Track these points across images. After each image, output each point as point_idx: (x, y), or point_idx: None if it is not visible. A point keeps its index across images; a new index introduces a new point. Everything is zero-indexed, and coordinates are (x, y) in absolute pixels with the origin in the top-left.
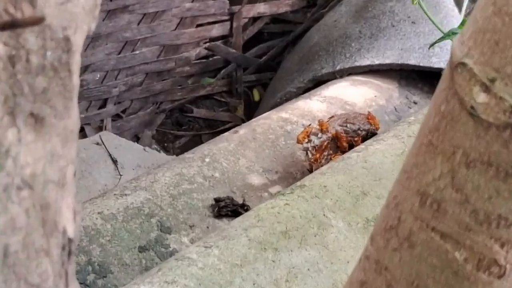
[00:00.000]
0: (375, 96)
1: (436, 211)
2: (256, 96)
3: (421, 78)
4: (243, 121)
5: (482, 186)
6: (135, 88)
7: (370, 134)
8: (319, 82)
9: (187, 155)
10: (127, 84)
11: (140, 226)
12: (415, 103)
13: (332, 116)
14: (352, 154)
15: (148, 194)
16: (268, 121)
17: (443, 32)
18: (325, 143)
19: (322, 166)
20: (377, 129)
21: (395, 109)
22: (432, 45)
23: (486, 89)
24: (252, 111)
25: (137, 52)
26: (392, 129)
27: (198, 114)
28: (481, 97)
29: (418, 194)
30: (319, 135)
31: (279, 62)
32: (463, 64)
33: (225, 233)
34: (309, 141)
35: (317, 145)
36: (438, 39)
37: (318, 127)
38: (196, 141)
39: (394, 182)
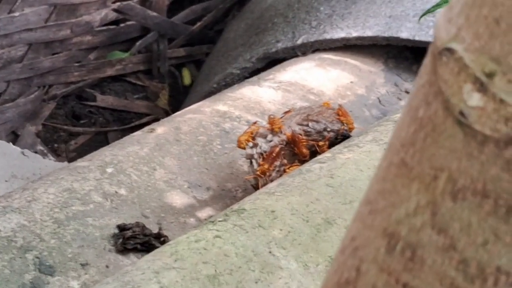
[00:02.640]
0: (351, 82)
1: (409, 261)
2: (186, 78)
3: (417, 58)
4: (167, 114)
5: (475, 226)
6: (12, 65)
7: (340, 137)
8: (272, 61)
9: (81, 162)
10: (1, 58)
11: (10, 264)
12: (407, 92)
13: (289, 111)
14: (313, 166)
15: (22, 218)
16: (198, 115)
17: None
18: (277, 149)
19: (271, 181)
20: (350, 130)
21: (379, 101)
22: (424, 14)
23: (482, 87)
24: (180, 100)
25: (17, 14)
26: (372, 131)
27: (103, 103)
28: (475, 99)
29: (385, 235)
30: (269, 137)
31: (219, 32)
32: (450, 51)
33: (128, 278)
34: (255, 145)
35: (265, 152)
36: (433, 6)
37: (268, 125)
38: (100, 141)
39: (353, 218)
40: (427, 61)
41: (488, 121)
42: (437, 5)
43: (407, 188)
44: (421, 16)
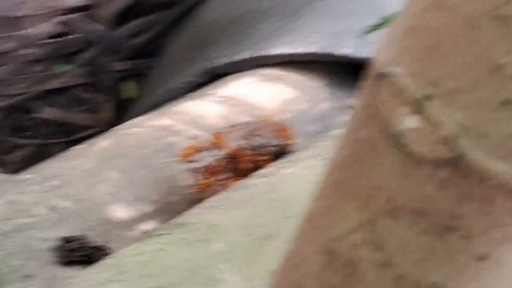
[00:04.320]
0: (294, 97)
1: (349, 276)
2: (130, 92)
3: (360, 74)
4: (112, 127)
5: (411, 243)
6: None
7: (282, 152)
8: (216, 75)
9: (26, 175)
10: None
11: None
12: (350, 107)
13: (232, 125)
14: (257, 180)
15: None
16: (142, 129)
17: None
18: (221, 163)
19: (215, 195)
20: (291, 145)
21: (322, 116)
22: (368, 32)
23: (419, 109)
24: (123, 113)
25: None
26: (311, 146)
27: (47, 115)
28: (411, 121)
29: (326, 251)
30: (213, 151)
31: (163, 45)
32: (388, 74)
33: None
34: (199, 159)
35: (209, 166)
36: (376, 25)
37: (212, 140)
38: (44, 154)
39: (294, 233)
40: (366, 82)
41: (425, 142)
42: (382, 24)
43: (346, 205)
44: (367, 33)
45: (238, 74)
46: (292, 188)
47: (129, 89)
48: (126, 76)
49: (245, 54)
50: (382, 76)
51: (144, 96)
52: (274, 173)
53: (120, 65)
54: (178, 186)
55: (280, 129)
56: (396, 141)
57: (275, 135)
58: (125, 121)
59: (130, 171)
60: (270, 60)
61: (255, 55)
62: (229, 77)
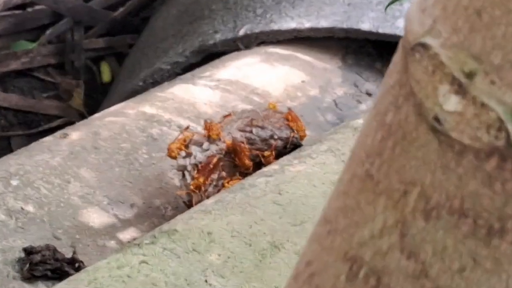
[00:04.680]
0: (302, 81)
1: None
2: (105, 75)
3: (381, 54)
4: (83, 117)
5: (450, 250)
6: None
7: (290, 146)
8: (210, 55)
9: None
10: None
11: None
12: (368, 94)
13: (229, 114)
14: (258, 180)
15: None
16: (120, 118)
17: None
18: (215, 160)
19: (208, 197)
20: (301, 138)
21: (336, 104)
22: (391, 2)
23: (461, 89)
24: (98, 100)
25: None
26: (327, 139)
27: (5, 103)
28: (452, 103)
29: (346, 259)
30: (205, 145)
31: (145, 19)
32: (424, 46)
33: None
34: (188, 155)
35: (201, 162)
36: None
37: (204, 132)
38: (2, 148)
39: (308, 239)
40: (397, 58)
41: (467, 128)
42: None
43: (372, 205)
44: (388, 5)
45: (237, 53)
46: (302, 189)
47: (106, 71)
48: (102, 56)
49: (245, 30)
50: (416, 49)
51: (123, 80)
52: (279, 171)
53: (94, 43)
54: (164, 186)
55: (287, 119)
56: (434, 127)
57: (280, 126)
58: (99, 110)
59: (106, 168)
60: (275, 37)
61: (256, 31)
62: (226, 56)
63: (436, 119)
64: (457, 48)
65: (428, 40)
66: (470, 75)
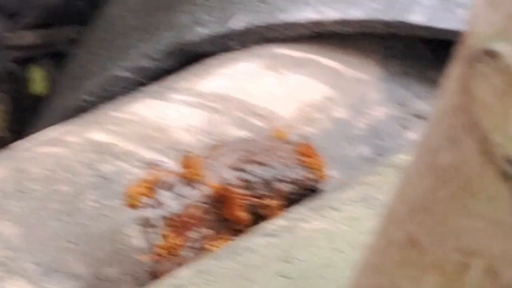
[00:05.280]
0: (325, 97)
1: None
2: (37, 84)
3: (437, 58)
4: (3, 144)
5: None
6: None
7: (304, 192)
8: (188, 57)
9: None
10: None
11: None
12: (419, 117)
13: (217, 146)
14: (257, 241)
15: None
16: (58, 149)
17: None
18: (195, 211)
19: (181, 265)
20: (320, 180)
21: (373, 131)
22: None
23: None
24: (26, 120)
25: None
26: (358, 183)
27: None
28: None
29: None
30: (181, 190)
31: (95, 5)
32: (494, 55)
33: None
34: (157, 203)
35: (174, 215)
36: None
37: (180, 170)
38: None
39: None
40: (454, 70)
41: None
42: None
43: (416, 283)
44: None
45: (229, 55)
46: (320, 256)
47: (38, 79)
48: (33, 57)
49: (241, 21)
50: (482, 58)
51: (62, 92)
52: (288, 229)
53: (22, 38)
54: (120, 249)
55: (301, 152)
56: (506, 172)
57: (291, 163)
58: (28, 134)
59: (36, 222)
60: (285, 32)
61: (257, 23)
62: (213, 60)
63: (510, 161)
64: None
65: (499, 46)
66: None
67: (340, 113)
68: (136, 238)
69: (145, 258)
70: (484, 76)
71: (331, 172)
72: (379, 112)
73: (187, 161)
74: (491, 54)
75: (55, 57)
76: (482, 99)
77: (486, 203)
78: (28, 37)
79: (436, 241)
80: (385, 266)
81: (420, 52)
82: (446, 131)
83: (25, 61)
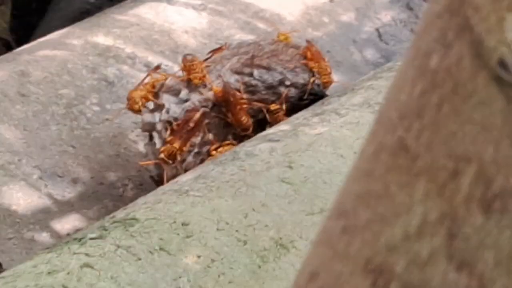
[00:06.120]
0: (331, 0)
1: None
2: None
3: None
4: (8, 48)
5: None
6: None
7: (308, 97)
8: None
9: None
10: None
11: None
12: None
13: (220, 48)
14: (260, 147)
15: None
16: (61, 52)
17: None
18: (197, 115)
19: (186, 171)
20: (326, 85)
21: (380, 34)
22: None
23: None
24: (30, 23)
25: None
26: (363, 87)
27: None
28: None
29: (368, 271)
30: (184, 94)
31: None
32: None
33: None
34: (158, 107)
35: (177, 119)
36: None
37: (182, 73)
38: None
39: (314, 240)
40: None
41: None
42: None
43: (407, 190)
44: None
45: None
46: (323, 161)
47: None
48: None
49: None
50: None
51: None
52: (291, 134)
53: None
54: (123, 154)
55: (305, 56)
56: (499, 75)
57: (295, 67)
58: (32, 38)
59: (38, 126)
60: None
61: None
62: None
63: (503, 64)
64: None
65: None
66: None
67: (346, 16)
68: (138, 143)
69: (147, 163)
70: None
71: (337, 76)
72: (386, 15)
73: (189, 65)
74: None
75: None
76: (474, 2)
77: (477, 107)
78: None
79: (426, 147)
80: (376, 171)
81: None
82: (438, 35)
83: None
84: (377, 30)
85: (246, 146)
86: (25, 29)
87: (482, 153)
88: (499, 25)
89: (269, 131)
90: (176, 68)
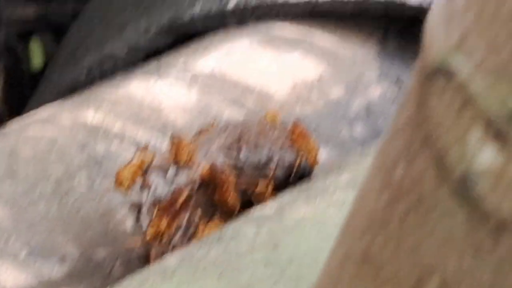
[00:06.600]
0: (320, 76)
1: None
2: (36, 58)
3: None
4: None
5: None
6: None
7: (295, 174)
8: (184, 36)
9: None
10: None
11: None
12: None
13: (207, 128)
14: (245, 228)
15: None
16: (51, 128)
17: None
18: (184, 195)
19: (173, 249)
20: (313, 163)
21: (369, 111)
22: None
23: (500, 137)
24: (24, 96)
25: None
26: (350, 166)
27: None
28: (487, 156)
29: None
30: (171, 173)
31: None
32: (449, 72)
33: None
34: (146, 186)
35: (164, 198)
36: None
37: (170, 151)
38: None
39: None
40: (412, 84)
41: (509, 195)
42: None
43: None
44: None
45: (225, 33)
46: (309, 243)
47: (37, 53)
48: (32, 30)
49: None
50: (439, 74)
51: (59, 67)
52: (277, 214)
53: (21, 12)
54: (111, 231)
55: (293, 134)
56: (460, 191)
57: (283, 147)
58: (24, 112)
59: (27, 203)
60: (288, 9)
61: (255, 1)
62: (209, 38)
63: (463, 179)
64: (496, 75)
65: (455, 62)
66: None
67: (335, 92)
68: (127, 221)
69: (135, 242)
70: (440, 92)
71: (324, 154)
72: (376, 91)
73: (177, 144)
74: (446, 70)
75: (54, 31)
76: (438, 115)
77: (440, 219)
78: (27, 12)
79: (391, 257)
80: (342, 280)
81: (418, 33)
82: (403, 146)
83: (24, 35)
84: (367, 106)
85: (231, 227)
86: (18, 101)
87: (445, 264)
88: (461, 141)
89: (255, 211)
90: (164, 147)
